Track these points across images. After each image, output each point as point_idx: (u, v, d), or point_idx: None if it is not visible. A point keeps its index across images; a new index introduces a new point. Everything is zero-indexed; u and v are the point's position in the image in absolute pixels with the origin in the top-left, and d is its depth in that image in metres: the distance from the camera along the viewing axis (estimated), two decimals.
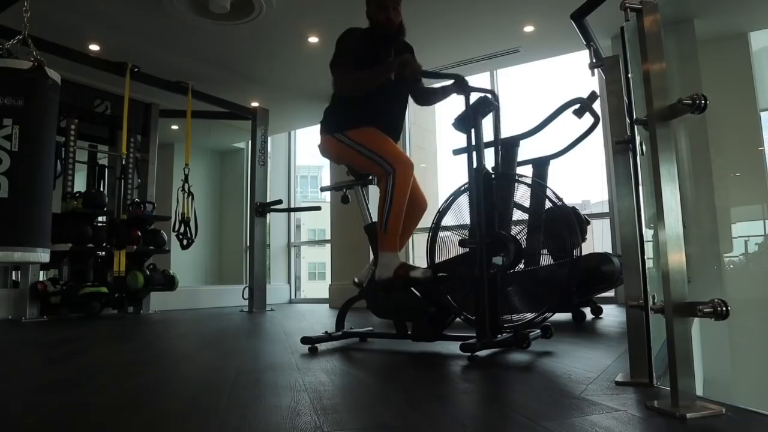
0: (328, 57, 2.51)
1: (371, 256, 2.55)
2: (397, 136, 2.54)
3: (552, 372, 1.76)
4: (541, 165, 3.18)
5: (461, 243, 2.38)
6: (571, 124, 2.79)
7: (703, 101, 1.22)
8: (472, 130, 2.23)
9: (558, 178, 3.32)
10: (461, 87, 2.36)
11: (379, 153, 2.35)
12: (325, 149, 2.54)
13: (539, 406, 1.30)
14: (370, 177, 2.52)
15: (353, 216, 2.97)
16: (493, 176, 2.30)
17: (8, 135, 2.26)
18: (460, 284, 2.37)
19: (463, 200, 2.48)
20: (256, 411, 1.29)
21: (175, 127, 7.47)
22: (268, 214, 6.08)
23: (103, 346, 2.85)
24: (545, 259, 2.48)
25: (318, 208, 6.52)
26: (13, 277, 5.36)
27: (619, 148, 1.62)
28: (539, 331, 2.28)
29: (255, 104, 6.34)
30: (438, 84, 2.69)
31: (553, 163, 3.19)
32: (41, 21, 3.17)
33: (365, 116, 2.41)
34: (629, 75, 1.57)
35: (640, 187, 1.56)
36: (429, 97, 2.68)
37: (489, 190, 2.23)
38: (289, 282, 8.14)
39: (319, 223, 9.24)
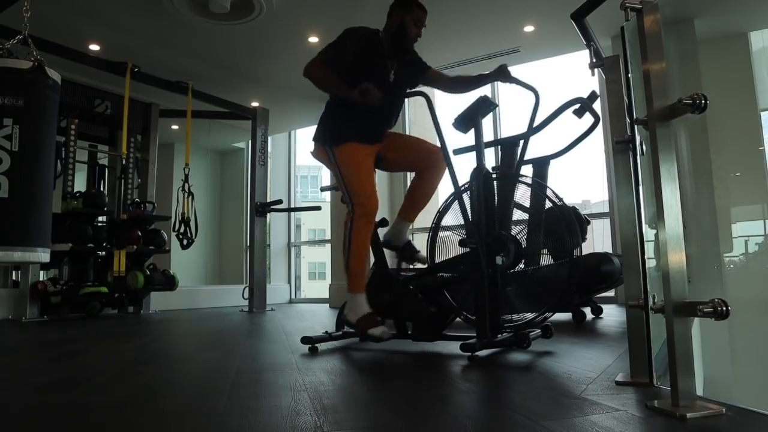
0: None
1: (371, 257, 2.55)
2: (384, 133, 2.51)
3: (552, 372, 1.76)
4: (541, 165, 3.18)
5: (461, 243, 2.39)
6: (571, 124, 2.79)
7: (703, 101, 1.22)
8: (473, 130, 2.23)
9: (558, 178, 3.32)
10: (504, 75, 2.38)
11: (348, 184, 2.34)
12: (317, 156, 2.54)
13: (539, 406, 1.30)
14: None
15: None
16: (493, 176, 2.30)
17: (8, 135, 2.26)
18: (460, 284, 2.37)
19: (464, 200, 2.48)
20: (256, 411, 1.29)
21: (175, 127, 7.47)
22: (268, 214, 6.08)
23: (104, 346, 2.85)
24: (545, 259, 2.48)
25: (318, 208, 6.52)
26: (14, 277, 5.37)
27: (619, 148, 1.62)
28: (539, 330, 2.28)
29: (255, 104, 6.34)
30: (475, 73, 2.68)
31: (553, 163, 3.19)
32: (41, 21, 3.17)
33: (351, 129, 2.39)
34: (629, 75, 1.57)
35: (640, 187, 1.56)
36: (463, 86, 2.64)
37: (489, 190, 2.23)
38: (289, 282, 8.14)
39: (319, 223, 9.24)
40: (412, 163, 2.56)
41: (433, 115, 2.46)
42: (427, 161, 2.48)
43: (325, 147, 2.43)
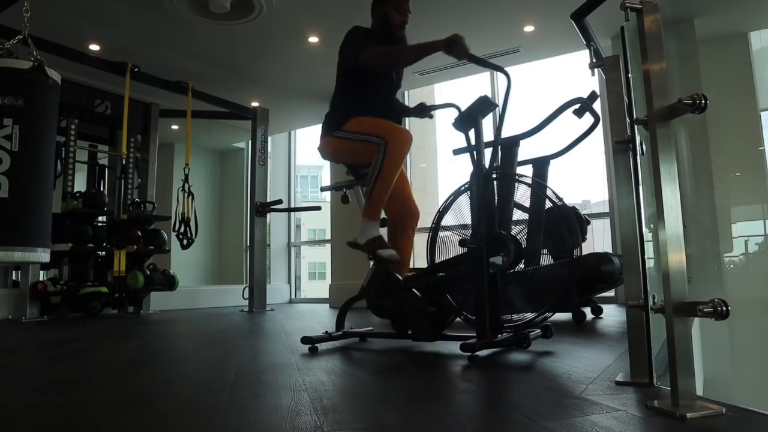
0: (328, 57, 2.52)
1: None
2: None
3: (552, 372, 1.76)
4: (541, 165, 3.18)
5: (461, 243, 2.38)
6: (571, 124, 2.79)
7: (703, 101, 1.22)
8: (472, 130, 2.23)
9: (558, 178, 3.32)
10: (424, 111, 2.53)
11: (371, 132, 2.34)
12: (324, 150, 2.55)
13: (539, 406, 1.30)
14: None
15: (353, 216, 2.96)
16: (493, 176, 2.29)
17: (8, 135, 2.27)
18: (460, 284, 2.37)
19: (463, 200, 2.48)
20: (256, 411, 1.29)
21: (175, 127, 7.47)
22: (268, 214, 6.08)
23: (103, 346, 2.85)
24: (545, 259, 2.48)
25: (318, 208, 6.52)
26: (14, 277, 5.37)
27: (619, 148, 1.62)
28: (539, 330, 2.28)
29: (255, 104, 6.34)
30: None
31: (553, 163, 3.19)
32: (41, 21, 3.17)
33: (361, 110, 2.42)
34: (629, 75, 1.57)
35: (640, 187, 1.56)
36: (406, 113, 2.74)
37: (489, 190, 2.23)
38: (289, 282, 8.14)
39: (319, 223, 9.24)
40: (393, 207, 2.55)
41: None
42: (405, 219, 2.55)
43: (333, 133, 2.44)
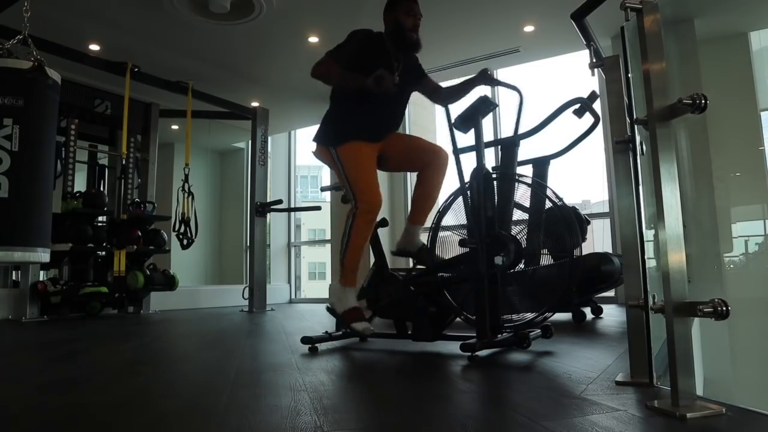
0: None
1: (371, 256, 2.55)
2: (386, 134, 2.51)
3: (552, 372, 1.76)
4: (541, 165, 3.18)
5: (461, 243, 2.39)
6: (571, 124, 2.79)
7: (703, 101, 1.22)
8: (473, 130, 2.23)
9: (558, 178, 3.32)
10: (486, 79, 2.38)
11: (352, 182, 2.35)
12: (320, 155, 2.53)
13: (539, 406, 1.30)
14: None
15: None
16: (493, 176, 2.30)
17: (8, 135, 2.27)
18: (460, 284, 2.37)
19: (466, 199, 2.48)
20: (256, 411, 1.29)
21: (175, 127, 7.47)
22: (268, 214, 6.08)
23: (103, 346, 2.85)
24: (545, 259, 2.48)
25: (318, 208, 6.52)
26: (14, 277, 5.37)
27: (619, 148, 1.62)
28: (539, 330, 2.28)
29: (255, 104, 6.34)
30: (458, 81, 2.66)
31: (553, 163, 3.19)
32: (41, 21, 3.17)
33: (354, 128, 2.38)
34: (629, 75, 1.57)
35: (640, 187, 1.56)
36: (451, 96, 2.64)
37: (489, 189, 2.23)
38: (289, 282, 8.14)
39: (319, 223, 9.24)
40: (413, 162, 2.54)
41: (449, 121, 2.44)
42: (428, 159, 2.47)
43: (329, 147, 2.43)
